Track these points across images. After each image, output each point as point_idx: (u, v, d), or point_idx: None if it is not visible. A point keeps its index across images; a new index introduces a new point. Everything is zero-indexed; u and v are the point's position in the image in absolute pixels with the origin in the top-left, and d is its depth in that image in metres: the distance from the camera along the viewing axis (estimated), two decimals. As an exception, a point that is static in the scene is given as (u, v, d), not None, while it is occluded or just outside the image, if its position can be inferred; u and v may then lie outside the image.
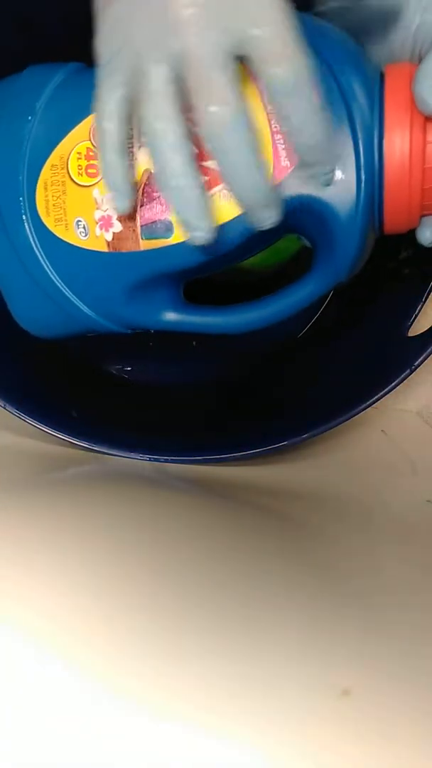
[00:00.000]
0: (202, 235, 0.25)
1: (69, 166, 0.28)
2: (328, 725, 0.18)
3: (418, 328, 0.37)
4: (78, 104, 0.28)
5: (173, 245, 0.28)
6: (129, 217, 0.28)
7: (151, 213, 0.27)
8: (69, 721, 0.17)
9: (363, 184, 0.25)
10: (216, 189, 0.26)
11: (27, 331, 0.34)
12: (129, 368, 0.46)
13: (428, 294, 0.37)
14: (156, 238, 0.28)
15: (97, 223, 0.28)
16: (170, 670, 0.19)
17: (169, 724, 0.17)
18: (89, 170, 0.28)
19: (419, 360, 0.35)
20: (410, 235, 0.29)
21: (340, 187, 0.26)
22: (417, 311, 0.37)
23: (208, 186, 0.26)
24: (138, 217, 0.27)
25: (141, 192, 0.27)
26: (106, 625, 0.21)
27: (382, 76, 0.26)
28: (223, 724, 0.17)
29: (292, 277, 0.45)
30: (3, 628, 0.20)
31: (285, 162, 0.26)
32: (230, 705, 0.18)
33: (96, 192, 0.28)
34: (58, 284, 0.30)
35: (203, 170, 0.26)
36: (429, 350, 0.35)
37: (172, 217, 0.27)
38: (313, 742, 0.17)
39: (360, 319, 0.42)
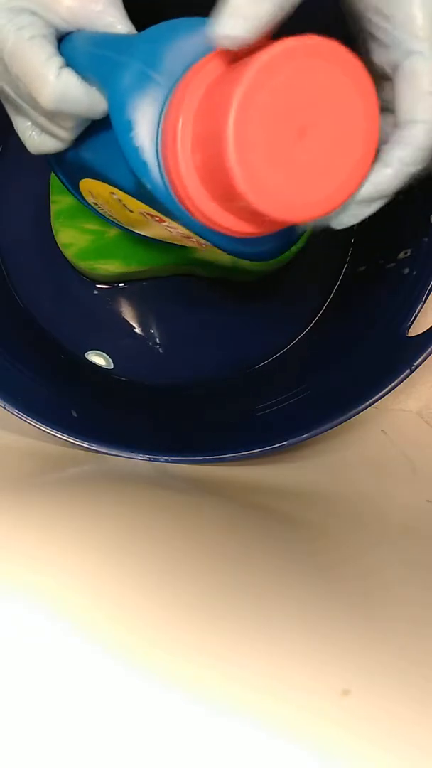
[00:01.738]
0: None
1: None
2: (328, 725, 0.18)
3: (418, 328, 0.37)
4: None
5: None
6: None
7: None
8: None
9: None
10: None
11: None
12: (129, 368, 0.46)
13: (428, 294, 0.37)
14: None
15: None
16: (164, 675, 0.19)
17: (171, 720, 0.17)
18: None
19: (419, 360, 0.35)
20: (410, 235, 0.29)
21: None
22: (417, 311, 0.37)
23: None
24: None
25: None
26: (103, 625, 0.21)
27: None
28: (221, 725, 0.18)
29: (291, 276, 0.45)
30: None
31: None
32: (228, 705, 0.18)
33: None
34: None
35: None
36: (429, 350, 0.35)
37: None
38: (312, 742, 0.17)
39: (360, 319, 0.42)
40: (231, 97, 0.19)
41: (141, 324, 0.46)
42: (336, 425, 0.36)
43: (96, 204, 0.33)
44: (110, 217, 0.34)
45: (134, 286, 0.46)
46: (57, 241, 0.42)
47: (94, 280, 0.45)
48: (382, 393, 0.35)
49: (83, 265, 0.42)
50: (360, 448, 0.43)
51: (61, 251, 0.42)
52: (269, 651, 0.21)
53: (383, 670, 0.20)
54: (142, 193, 0.25)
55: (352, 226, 0.25)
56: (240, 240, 0.25)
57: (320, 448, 0.42)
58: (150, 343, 0.46)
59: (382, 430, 0.45)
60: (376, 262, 0.42)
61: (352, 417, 0.36)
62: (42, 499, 0.30)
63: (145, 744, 0.17)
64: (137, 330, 0.46)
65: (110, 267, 0.41)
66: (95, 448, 0.36)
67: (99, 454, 0.37)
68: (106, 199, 0.30)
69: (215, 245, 0.25)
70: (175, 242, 0.32)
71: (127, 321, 0.46)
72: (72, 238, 0.41)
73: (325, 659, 0.21)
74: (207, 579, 0.24)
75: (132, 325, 0.46)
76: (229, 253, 0.26)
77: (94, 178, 0.28)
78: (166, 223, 0.26)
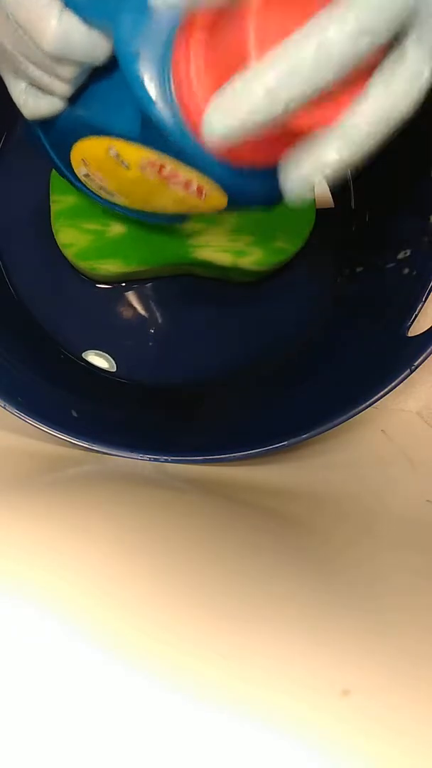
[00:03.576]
0: None
1: None
2: (327, 726, 0.18)
3: (418, 328, 0.37)
4: None
5: None
6: None
7: None
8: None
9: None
10: None
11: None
12: (129, 368, 0.46)
13: (428, 294, 0.37)
14: None
15: None
16: (164, 675, 0.19)
17: (169, 720, 0.17)
18: None
19: (419, 360, 0.35)
20: (410, 235, 0.29)
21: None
22: (417, 311, 0.37)
23: None
24: None
25: None
26: (102, 626, 0.21)
27: None
28: (221, 725, 0.17)
29: (290, 277, 0.45)
30: (1, 627, 0.20)
31: None
32: (228, 705, 0.18)
33: None
34: None
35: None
36: (429, 350, 0.35)
37: None
38: (312, 742, 0.17)
39: (360, 319, 0.42)
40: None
41: (140, 324, 0.46)
42: (336, 425, 0.36)
43: (88, 177, 0.32)
44: (102, 191, 0.34)
45: (134, 285, 0.46)
46: (57, 241, 0.42)
47: (94, 280, 0.45)
48: (382, 393, 0.35)
49: (83, 265, 0.42)
50: (360, 448, 0.43)
51: (61, 251, 0.42)
52: (270, 650, 0.21)
53: (383, 670, 0.20)
54: (146, 131, 0.25)
55: (351, 225, 0.24)
56: (243, 175, 0.25)
57: (320, 448, 0.42)
58: (150, 343, 0.46)
59: (382, 430, 0.45)
60: (376, 263, 0.42)
61: (352, 417, 0.36)
62: (42, 499, 0.30)
63: (146, 740, 0.17)
64: (137, 330, 0.46)
65: (110, 267, 0.42)
66: (95, 448, 0.36)
67: (99, 454, 0.37)
68: (101, 161, 0.30)
69: (217, 180, 0.25)
70: (171, 210, 0.31)
71: (126, 321, 0.46)
72: (72, 238, 0.41)
73: (325, 659, 0.21)
74: (207, 579, 0.24)
75: (132, 325, 0.46)
76: (229, 192, 0.26)
77: (91, 135, 0.28)
78: (166, 170, 0.26)
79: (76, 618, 0.21)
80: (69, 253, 0.42)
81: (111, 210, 0.35)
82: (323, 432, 0.36)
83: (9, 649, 0.19)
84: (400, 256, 0.39)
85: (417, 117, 0.22)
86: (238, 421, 0.42)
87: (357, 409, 0.36)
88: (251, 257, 0.41)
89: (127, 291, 0.46)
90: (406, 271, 0.39)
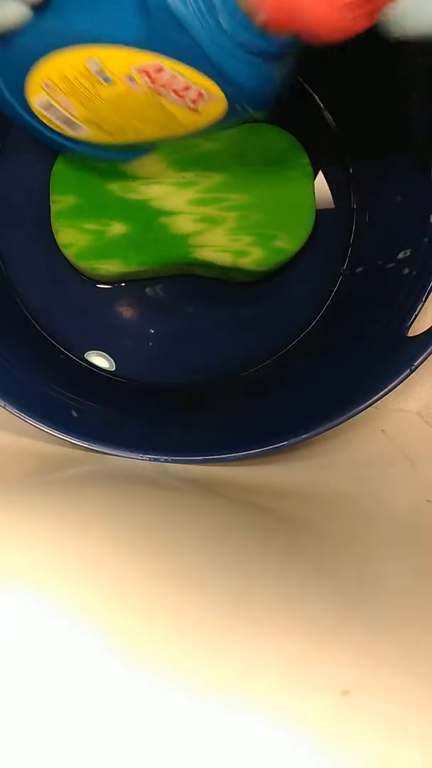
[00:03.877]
0: None
1: None
2: (327, 725, 0.18)
3: (418, 328, 0.37)
4: None
5: None
6: None
7: None
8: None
9: None
10: None
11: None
12: (129, 368, 0.46)
13: (428, 294, 0.37)
14: None
15: None
16: (165, 674, 0.19)
17: (166, 720, 0.17)
18: None
19: (419, 360, 0.35)
20: (410, 235, 0.29)
21: None
22: (417, 311, 0.37)
23: None
24: None
25: None
26: (103, 625, 0.21)
27: None
28: (221, 724, 0.17)
29: (290, 277, 0.45)
30: (1, 626, 0.20)
31: None
32: (228, 705, 0.18)
33: None
34: None
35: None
36: (429, 350, 0.35)
37: None
38: (312, 742, 0.17)
39: (360, 319, 0.42)
40: None
41: (140, 324, 0.46)
42: (336, 425, 0.36)
43: (49, 107, 0.28)
44: (63, 125, 0.29)
45: (134, 285, 0.46)
46: (57, 241, 0.42)
47: (94, 280, 0.45)
48: (382, 393, 0.35)
49: (83, 265, 0.42)
50: (360, 448, 0.43)
51: (61, 251, 0.42)
52: (270, 650, 0.21)
53: (383, 670, 0.20)
54: (151, 29, 0.22)
55: (351, 225, 0.24)
56: (258, 63, 0.23)
57: (320, 448, 0.42)
58: (150, 343, 0.46)
59: (382, 430, 0.45)
60: (376, 263, 0.42)
61: (352, 417, 0.36)
62: (42, 499, 0.30)
63: (147, 739, 0.17)
64: (137, 330, 0.46)
65: (110, 267, 0.42)
66: (95, 448, 0.36)
67: (99, 454, 0.37)
68: (73, 80, 0.26)
69: (230, 72, 0.23)
70: (148, 135, 0.28)
71: (126, 321, 0.46)
72: (72, 238, 0.41)
73: (325, 659, 0.21)
74: (207, 578, 0.24)
75: (132, 325, 0.46)
76: (237, 85, 0.23)
77: (66, 46, 0.24)
78: (165, 76, 0.23)
79: (76, 618, 0.21)
80: (69, 253, 0.42)
81: (67, 149, 0.31)
82: (323, 432, 0.36)
83: (9, 649, 0.19)
84: (400, 256, 0.39)
85: (417, 116, 0.22)
86: (238, 421, 0.42)
87: (357, 409, 0.36)
88: (251, 257, 0.41)
89: (127, 291, 0.46)
90: (406, 271, 0.39)
